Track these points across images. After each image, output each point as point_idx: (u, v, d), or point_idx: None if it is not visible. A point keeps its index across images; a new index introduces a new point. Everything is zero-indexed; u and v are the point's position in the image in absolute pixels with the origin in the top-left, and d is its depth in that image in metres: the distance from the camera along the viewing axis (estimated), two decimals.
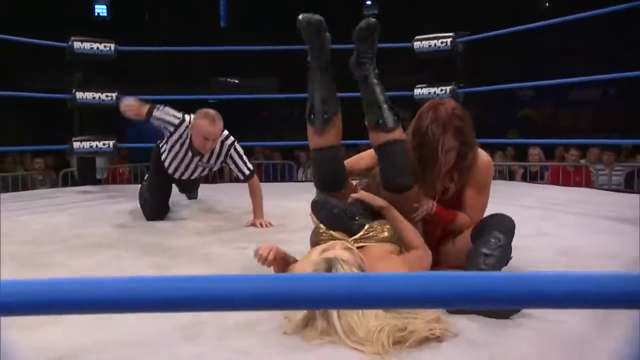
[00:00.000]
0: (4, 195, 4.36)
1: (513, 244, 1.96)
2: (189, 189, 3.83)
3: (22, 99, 7.92)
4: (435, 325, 1.48)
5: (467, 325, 1.57)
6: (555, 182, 5.96)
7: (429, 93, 4.34)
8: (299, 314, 1.54)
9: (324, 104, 2.07)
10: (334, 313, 1.46)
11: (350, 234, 1.93)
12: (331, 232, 1.94)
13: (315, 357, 1.40)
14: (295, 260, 1.89)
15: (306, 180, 6.57)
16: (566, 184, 5.74)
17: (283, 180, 7.05)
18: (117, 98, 4.59)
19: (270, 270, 1.83)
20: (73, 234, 2.89)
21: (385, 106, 2.04)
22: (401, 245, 1.93)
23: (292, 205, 3.51)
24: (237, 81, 14.63)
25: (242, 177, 3.31)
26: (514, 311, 1.64)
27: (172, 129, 3.25)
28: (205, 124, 3.12)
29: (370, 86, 2.08)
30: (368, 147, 2.21)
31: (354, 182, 2.21)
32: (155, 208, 3.35)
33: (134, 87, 6.69)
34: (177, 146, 3.28)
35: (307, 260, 1.78)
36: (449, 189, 2.14)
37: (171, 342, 1.50)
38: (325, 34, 2.07)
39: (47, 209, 3.77)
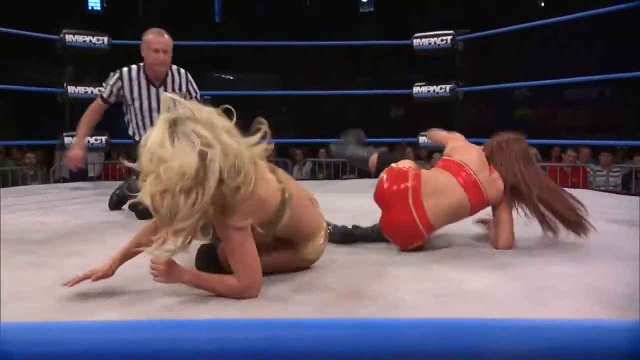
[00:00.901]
0: None
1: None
2: None
3: (13, 91, 7.85)
4: None
5: None
6: None
7: (428, 91, 4.31)
8: None
9: None
10: None
11: None
12: None
13: None
14: None
15: (301, 179, 6.51)
16: (563, 184, 5.71)
17: None
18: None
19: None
20: (63, 232, 2.85)
21: None
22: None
23: None
24: (231, 77, 14.59)
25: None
26: None
27: (119, 83, 3.26)
28: (153, 36, 3.15)
29: None
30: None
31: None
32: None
33: None
34: (136, 90, 3.24)
35: None
36: None
37: None
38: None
39: (38, 206, 3.73)
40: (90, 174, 6.09)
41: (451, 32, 4.30)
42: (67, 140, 4.76)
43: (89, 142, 4.72)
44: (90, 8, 14.62)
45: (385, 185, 2.29)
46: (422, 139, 4.42)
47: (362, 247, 2.44)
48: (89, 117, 3.38)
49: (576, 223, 2.36)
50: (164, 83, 3.24)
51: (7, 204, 3.66)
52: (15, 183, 5.66)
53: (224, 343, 0.76)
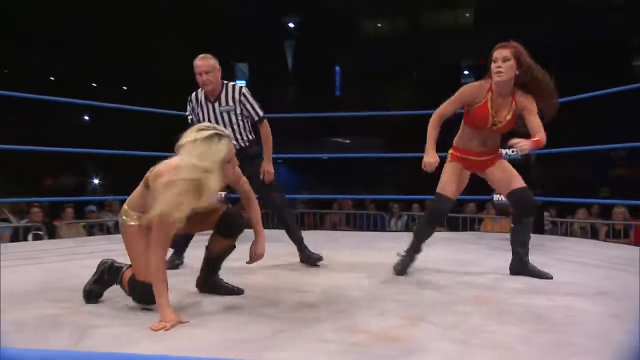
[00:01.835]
0: None
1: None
2: None
3: None
4: None
5: None
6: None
7: (513, 152, 4.27)
8: None
9: None
10: None
11: None
12: None
13: None
14: None
15: (396, 230, 6.45)
16: None
17: (375, 229, 6.88)
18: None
19: None
20: None
21: None
22: None
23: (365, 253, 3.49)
24: (348, 141, 15.09)
25: (256, 118, 3.26)
26: None
27: (189, 104, 3.33)
28: (195, 62, 3.20)
29: None
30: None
31: None
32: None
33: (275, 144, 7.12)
34: (197, 107, 3.29)
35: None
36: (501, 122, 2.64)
37: None
38: None
39: None
40: None
41: None
42: None
43: None
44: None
45: None
46: (496, 197, 4.36)
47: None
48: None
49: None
50: (218, 98, 3.31)
51: None
52: None
53: None
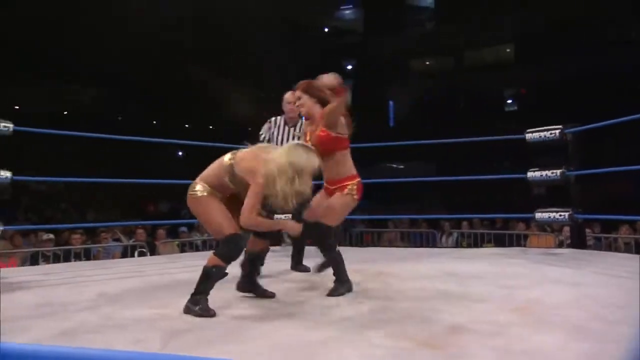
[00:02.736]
0: None
1: None
2: None
3: None
4: None
5: None
6: None
7: (541, 175, 4.08)
8: None
9: None
10: None
11: None
12: None
13: None
14: None
15: (447, 246, 6.24)
16: None
17: (427, 245, 6.66)
18: None
19: None
20: None
21: None
22: None
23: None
24: (402, 166, 14.93)
25: None
26: None
27: (268, 124, 3.49)
28: (285, 95, 3.41)
29: None
30: None
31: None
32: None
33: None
34: (274, 129, 3.46)
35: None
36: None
37: None
38: None
39: None
40: None
41: (559, 126, 4.05)
42: None
43: None
44: None
45: None
46: (538, 215, 4.14)
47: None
48: None
49: None
50: (295, 124, 3.53)
51: None
52: None
53: None
